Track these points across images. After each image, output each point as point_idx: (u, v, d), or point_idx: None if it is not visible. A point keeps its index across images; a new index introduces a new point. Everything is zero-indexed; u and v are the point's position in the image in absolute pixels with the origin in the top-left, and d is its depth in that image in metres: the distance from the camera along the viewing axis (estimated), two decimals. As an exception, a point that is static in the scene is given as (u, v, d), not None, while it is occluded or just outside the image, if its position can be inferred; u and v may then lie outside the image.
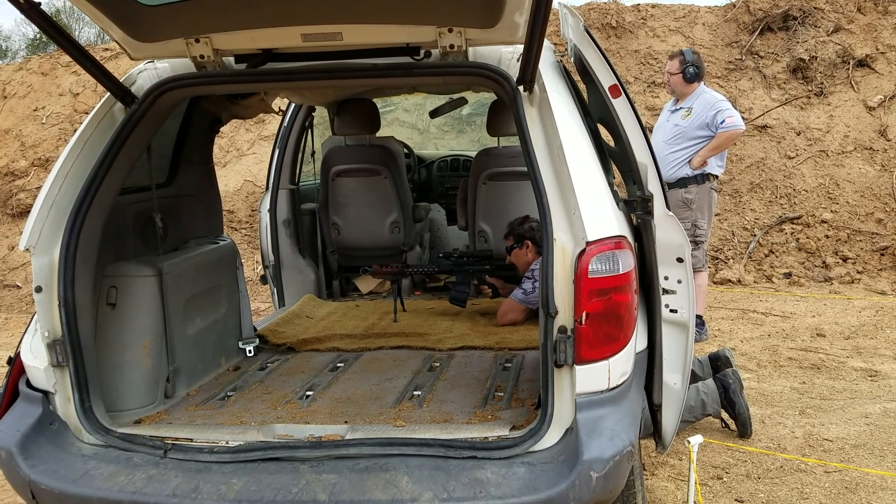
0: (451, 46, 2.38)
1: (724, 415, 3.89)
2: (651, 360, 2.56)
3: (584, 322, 2.18)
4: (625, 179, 2.86)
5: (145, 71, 2.66)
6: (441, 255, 4.40)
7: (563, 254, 2.23)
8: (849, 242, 7.72)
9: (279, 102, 4.53)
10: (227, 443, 2.39)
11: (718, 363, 3.97)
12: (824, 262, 7.59)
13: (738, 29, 9.41)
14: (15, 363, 2.58)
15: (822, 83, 8.78)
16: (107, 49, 10.82)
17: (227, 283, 3.42)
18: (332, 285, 4.96)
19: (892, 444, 3.79)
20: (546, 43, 2.38)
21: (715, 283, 7.48)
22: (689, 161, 5.33)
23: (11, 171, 9.80)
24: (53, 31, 2.24)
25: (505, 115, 4.19)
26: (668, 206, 2.46)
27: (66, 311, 2.42)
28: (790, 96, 8.81)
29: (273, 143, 4.81)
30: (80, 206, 2.47)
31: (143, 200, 3.01)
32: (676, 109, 5.52)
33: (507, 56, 2.51)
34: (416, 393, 2.86)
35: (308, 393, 2.92)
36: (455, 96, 5.36)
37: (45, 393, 2.47)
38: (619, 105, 2.46)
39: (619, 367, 2.24)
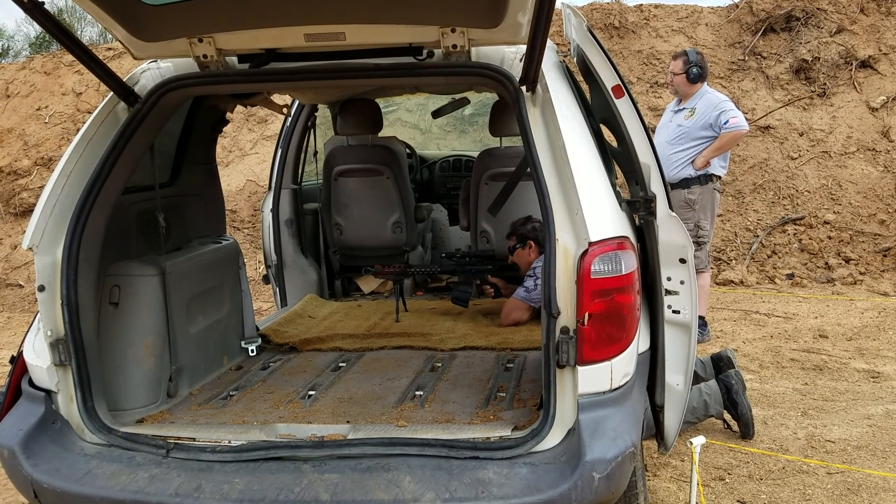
0: (454, 46, 2.38)
1: (727, 416, 3.89)
2: (653, 361, 2.56)
3: (586, 323, 2.18)
4: (627, 180, 2.86)
5: (148, 70, 2.66)
6: (443, 255, 4.40)
7: (565, 254, 2.22)
8: (851, 244, 7.71)
9: (284, 100, 4.54)
10: (229, 442, 2.39)
11: (721, 364, 3.96)
12: (827, 264, 7.58)
13: (741, 29, 9.39)
14: (17, 362, 2.58)
15: (824, 84, 8.77)
16: (110, 48, 10.83)
17: (230, 283, 3.42)
18: (334, 285, 4.96)
19: (894, 445, 3.78)
20: (549, 43, 2.37)
21: (717, 283, 7.47)
22: (693, 161, 5.32)
23: (14, 171, 9.81)
24: (57, 30, 2.24)
25: (507, 115, 4.19)
26: (671, 207, 2.46)
27: (68, 310, 2.42)
28: (793, 97, 8.79)
29: (276, 142, 4.81)
30: (83, 206, 2.47)
31: (147, 200, 3.02)
32: (679, 110, 5.52)
33: (510, 56, 2.51)
34: (418, 393, 2.87)
35: (310, 393, 2.92)
36: (457, 96, 5.36)
37: (48, 392, 2.47)
38: (622, 105, 2.45)
39: (621, 368, 2.24)
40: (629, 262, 2.24)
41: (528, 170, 2.40)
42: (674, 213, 2.46)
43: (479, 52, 2.50)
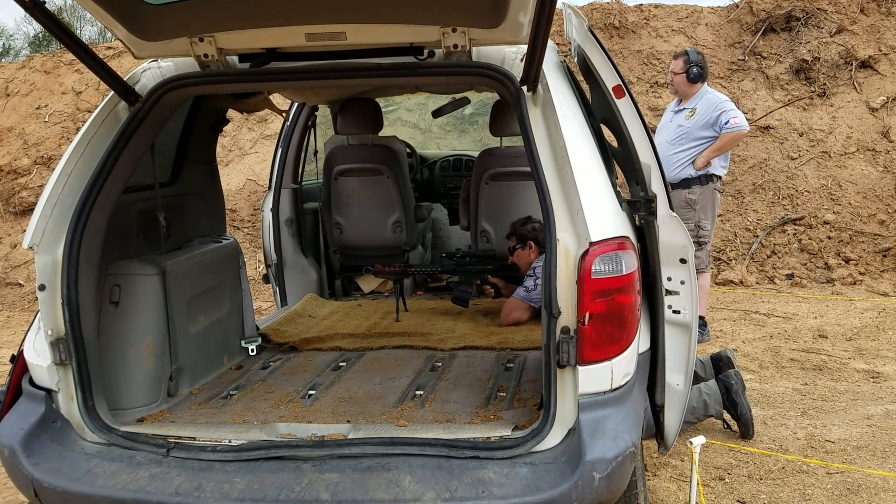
0: (455, 46, 2.38)
1: (727, 416, 3.89)
2: (654, 361, 2.56)
3: (587, 323, 2.18)
4: (628, 180, 2.86)
5: (149, 70, 2.66)
6: (443, 254, 4.40)
7: (566, 254, 2.22)
8: (851, 244, 7.71)
9: (284, 103, 4.54)
10: (229, 441, 2.39)
11: (720, 364, 3.97)
12: (826, 264, 7.59)
13: (741, 29, 9.40)
14: (18, 361, 2.58)
15: (824, 84, 8.77)
16: (110, 48, 10.83)
17: (230, 282, 3.42)
18: (334, 285, 4.96)
19: (894, 445, 3.79)
20: (549, 43, 2.37)
21: (717, 283, 7.47)
22: (693, 162, 5.32)
23: (14, 170, 9.81)
24: (58, 29, 2.24)
25: (507, 115, 4.19)
26: (671, 207, 2.46)
27: (69, 309, 2.42)
28: (793, 97, 8.80)
29: (276, 142, 4.81)
30: (84, 205, 2.47)
31: (147, 199, 3.02)
32: (680, 110, 5.52)
33: (511, 56, 2.51)
34: (418, 393, 2.87)
35: (310, 392, 2.92)
36: (458, 96, 5.36)
37: (49, 391, 2.47)
38: (623, 105, 2.46)
39: (621, 368, 2.24)
40: (630, 263, 2.24)
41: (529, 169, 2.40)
42: (674, 214, 2.46)
43: (479, 52, 2.50)
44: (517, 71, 2.46)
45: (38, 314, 2.52)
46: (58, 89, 10.62)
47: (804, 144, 8.50)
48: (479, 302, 4.38)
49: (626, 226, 2.33)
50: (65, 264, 2.43)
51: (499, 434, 2.34)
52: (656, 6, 9.95)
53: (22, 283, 8.51)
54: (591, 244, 2.17)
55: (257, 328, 3.65)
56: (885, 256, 7.55)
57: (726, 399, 3.80)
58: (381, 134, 4.80)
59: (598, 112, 2.71)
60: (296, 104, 4.69)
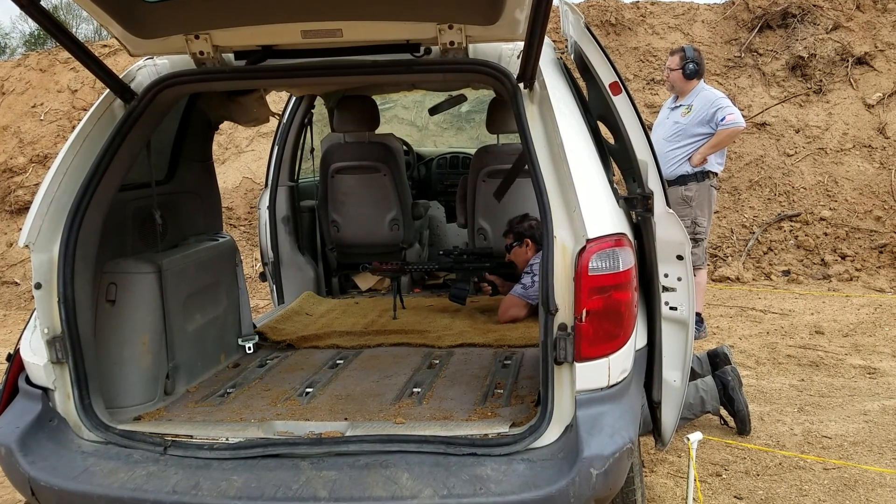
0: (452, 43, 2.38)
1: (724, 412, 3.90)
2: (651, 358, 2.57)
3: (584, 319, 2.18)
4: (625, 177, 2.86)
5: (145, 67, 2.65)
6: (441, 252, 4.40)
7: (563, 251, 2.22)
8: (847, 240, 7.73)
9: (279, 102, 4.53)
10: (227, 439, 2.38)
11: (717, 360, 3.97)
12: (823, 260, 7.60)
13: (738, 26, 9.40)
14: (14, 360, 2.57)
15: (821, 81, 8.78)
16: (105, 45, 10.81)
17: (227, 280, 3.41)
18: (331, 282, 4.95)
19: (890, 441, 3.80)
20: (546, 40, 2.37)
21: (714, 280, 7.48)
22: (689, 158, 5.33)
23: (10, 168, 9.78)
24: (53, 27, 2.23)
25: (504, 112, 4.19)
26: (668, 204, 2.46)
27: (65, 307, 2.41)
28: (789, 94, 8.81)
29: (272, 139, 4.81)
30: (80, 203, 2.46)
31: (143, 197, 3.01)
32: (676, 107, 5.52)
33: (508, 53, 2.51)
34: (415, 390, 2.87)
35: (308, 390, 2.92)
36: (454, 93, 5.35)
37: (45, 389, 2.46)
38: (620, 102, 2.45)
39: (618, 365, 2.24)
40: (627, 259, 2.24)
41: (526, 166, 2.40)
42: (671, 210, 2.46)
43: (476, 49, 2.49)
44: (514, 68, 2.45)
45: (35, 312, 2.51)
46: (53, 87, 10.59)
47: (800, 141, 8.51)
48: (476, 299, 4.38)
49: (623, 223, 2.33)
50: (61, 262, 2.42)
51: (496, 431, 2.34)
52: (653, 3, 9.96)
53: (18, 281, 8.50)
54: (588, 241, 2.17)
55: (254, 326, 3.64)
56: (881, 252, 7.57)
57: (723, 395, 3.80)
58: (377, 131, 4.79)
59: (595, 109, 2.71)
60: (292, 102, 4.68)
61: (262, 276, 4.84)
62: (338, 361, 3.31)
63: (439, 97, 5.72)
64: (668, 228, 2.46)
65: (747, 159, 8.49)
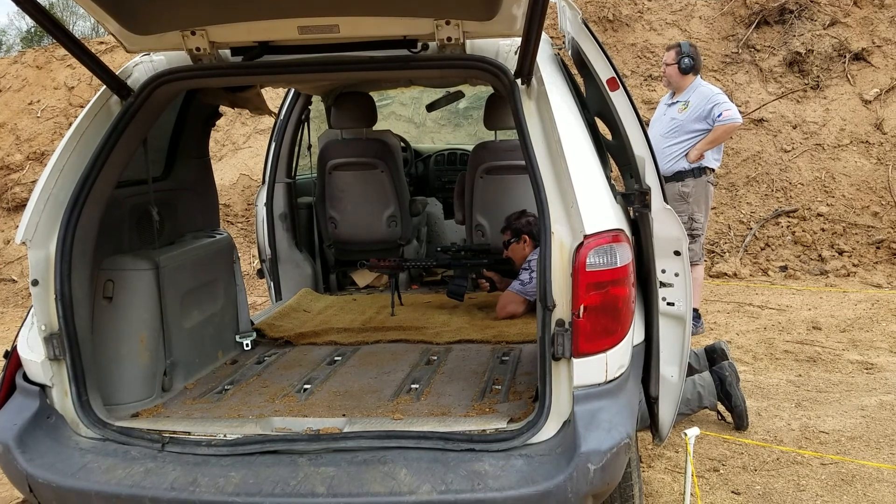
0: (449, 39, 2.37)
1: (721, 407, 3.91)
2: (648, 353, 2.57)
3: (581, 315, 2.19)
4: (622, 173, 2.86)
5: (141, 64, 2.64)
6: (438, 248, 4.40)
7: (560, 247, 2.23)
8: (845, 236, 7.74)
9: (275, 99, 4.53)
10: (224, 436, 2.38)
11: (715, 356, 3.98)
12: (820, 256, 7.61)
13: (735, 22, 9.40)
14: (12, 357, 2.57)
15: (818, 77, 8.78)
16: (102, 42, 10.78)
17: (224, 277, 3.41)
18: (329, 279, 4.95)
19: (887, 436, 3.81)
20: (544, 36, 2.37)
21: (711, 276, 7.49)
22: (686, 154, 5.33)
23: (6, 165, 9.76)
24: (49, 24, 2.22)
25: (502, 108, 4.18)
26: (665, 200, 2.46)
27: (62, 304, 2.41)
28: (786, 90, 8.81)
29: (269, 136, 4.80)
30: (77, 200, 2.46)
31: (140, 194, 3.01)
32: (673, 103, 5.52)
33: (505, 49, 2.50)
34: (413, 386, 2.87)
35: (306, 386, 2.92)
36: (452, 90, 5.35)
37: (43, 386, 2.46)
38: (617, 98, 2.45)
39: (616, 360, 2.24)
40: (624, 255, 2.25)
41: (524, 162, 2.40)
42: (668, 206, 2.46)
43: (473, 45, 2.49)
44: (511, 64, 2.45)
45: (32, 309, 2.51)
46: (50, 84, 10.56)
47: (798, 137, 8.52)
48: (474, 296, 4.38)
49: (620, 218, 2.34)
50: (58, 259, 2.42)
51: (494, 427, 2.34)
52: (650, -1, 9.95)
53: (15, 279, 8.49)
54: (586, 237, 2.18)
55: (252, 323, 3.64)
56: (878, 248, 7.58)
57: (720, 391, 3.81)
58: (375, 128, 4.79)
59: (593, 105, 2.71)
60: (289, 98, 4.68)
61: (260, 273, 4.83)
62: (336, 358, 3.31)
63: (437, 94, 5.71)
64: (665, 224, 2.46)
65: (744, 155, 8.50)
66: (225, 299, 3.40)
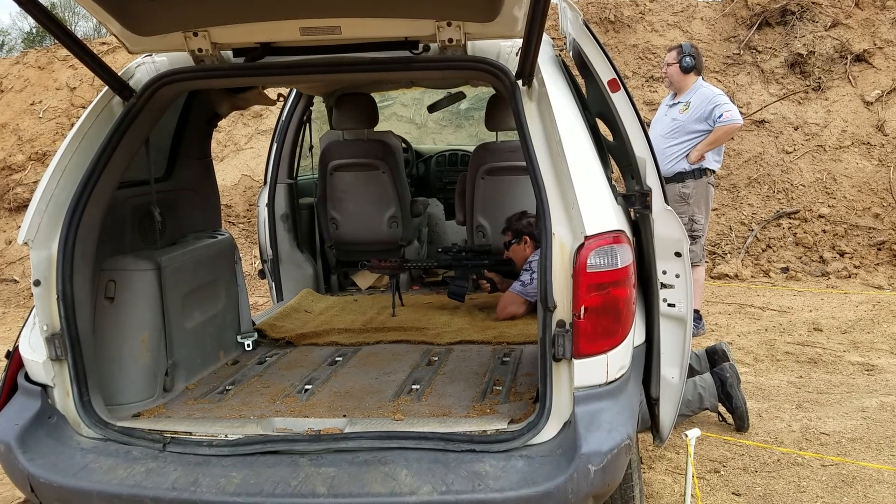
0: (450, 40, 2.38)
1: (722, 409, 3.91)
2: (649, 354, 2.57)
3: (582, 316, 2.19)
4: (623, 174, 2.86)
5: (143, 65, 2.65)
6: (439, 249, 4.40)
7: (561, 248, 2.23)
8: (846, 237, 7.73)
9: (281, 90, 4.53)
10: (226, 436, 2.39)
11: (716, 357, 3.98)
12: (821, 257, 7.61)
13: (736, 23, 9.40)
14: (13, 357, 2.58)
15: (819, 78, 8.78)
16: (104, 43, 10.80)
17: (226, 278, 3.42)
18: (330, 280, 4.96)
19: (888, 437, 3.81)
20: (545, 37, 2.37)
21: (712, 277, 7.49)
22: (687, 155, 5.33)
23: (8, 166, 9.78)
24: (52, 24, 2.23)
25: (503, 109, 4.19)
26: (666, 201, 2.47)
27: (64, 304, 2.42)
28: (788, 91, 8.81)
29: (271, 137, 4.81)
30: (79, 200, 2.47)
31: (142, 195, 3.01)
32: (674, 104, 5.52)
33: (506, 50, 2.51)
34: (414, 387, 2.87)
35: (307, 387, 2.92)
36: (453, 91, 5.35)
37: (44, 387, 2.47)
38: (618, 99, 2.46)
39: (617, 361, 2.24)
40: (625, 256, 2.25)
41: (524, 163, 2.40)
42: (669, 207, 2.47)
43: (475, 47, 2.49)
44: (512, 65, 2.45)
45: (34, 310, 2.51)
46: (52, 85, 10.58)
47: (799, 138, 8.52)
48: (475, 296, 4.38)
49: (621, 219, 2.34)
50: (60, 260, 2.42)
51: (495, 427, 2.34)
52: (651, 0, 9.95)
53: (17, 279, 8.50)
54: (587, 238, 2.18)
55: (253, 323, 3.65)
56: (879, 250, 7.58)
57: (721, 392, 3.81)
58: (376, 129, 4.80)
59: (594, 106, 2.71)
60: (290, 99, 4.68)
61: (261, 274, 4.84)
62: (337, 358, 3.32)
63: (438, 95, 5.71)
64: (666, 225, 2.46)
65: (746, 156, 8.50)
66: (226, 300, 3.41)
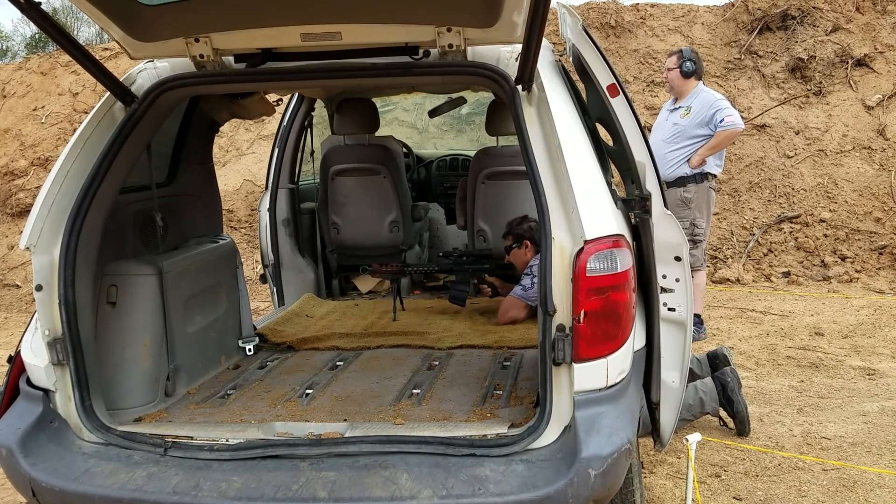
0: (450, 46, 2.39)
1: (723, 413, 3.91)
2: (649, 359, 2.57)
3: (582, 320, 2.19)
4: (623, 178, 2.87)
5: (145, 70, 2.66)
6: (440, 254, 4.41)
7: (561, 252, 2.23)
8: (847, 241, 7.73)
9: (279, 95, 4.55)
10: (227, 441, 2.39)
11: (717, 362, 3.98)
12: (823, 262, 7.61)
13: (737, 28, 9.42)
14: (15, 361, 2.58)
15: (820, 82, 8.79)
16: (106, 49, 10.83)
17: (227, 282, 3.43)
18: (331, 284, 4.97)
19: (889, 442, 3.80)
20: (545, 42, 2.38)
21: (714, 282, 7.49)
22: (688, 160, 5.34)
23: (11, 171, 9.81)
24: (54, 30, 2.24)
25: (504, 114, 4.20)
26: (666, 205, 2.47)
27: (66, 309, 2.42)
28: (789, 95, 8.82)
29: (272, 142, 4.82)
30: (81, 205, 2.48)
31: (144, 199, 3.02)
32: (675, 108, 5.53)
33: (506, 55, 2.52)
34: (415, 391, 2.87)
35: (308, 391, 2.92)
36: (454, 96, 5.36)
37: (46, 391, 2.47)
38: (618, 104, 2.47)
39: (617, 366, 2.25)
40: (624, 260, 2.25)
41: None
42: (669, 212, 2.47)
43: (474, 52, 2.50)
44: (512, 70, 2.46)
45: (36, 314, 2.52)
46: (55, 90, 10.62)
47: (800, 143, 8.52)
48: (476, 301, 4.39)
49: (621, 224, 2.34)
50: (62, 265, 2.43)
51: (495, 432, 2.35)
52: (652, 5, 9.98)
53: (20, 284, 8.51)
54: (586, 242, 2.18)
55: (254, 328, 3.65)
56: (881, 254, 7.58)
57: (722, 396, 3.81)
58: (377, 134, 4.81)
59: (594, 111, 2.72)
60: (292, 104, 4.70)
61: (263, 279, 4.85)
62: (338, 363, 3.32)
63: (439, 99, 5.73)
64: (665, 230, 2.47)
65: (747, 161, 8.50)
66: (228, 304, 3.41)
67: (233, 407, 2.80)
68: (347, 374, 3.15)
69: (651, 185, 2.46)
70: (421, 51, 2.47)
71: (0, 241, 9.26)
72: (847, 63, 8.81)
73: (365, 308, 4.44)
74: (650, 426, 2.81)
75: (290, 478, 2.18)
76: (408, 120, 10.20)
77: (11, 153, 10.04)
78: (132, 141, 2.61)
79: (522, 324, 3.86)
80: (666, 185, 5.24)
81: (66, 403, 2.47)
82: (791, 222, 7.99)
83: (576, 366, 2.20)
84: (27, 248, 2.45)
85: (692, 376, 3.89)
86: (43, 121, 10.30)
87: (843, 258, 7.59)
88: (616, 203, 2.39)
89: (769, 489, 3.38)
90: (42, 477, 2.27)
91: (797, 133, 8.58)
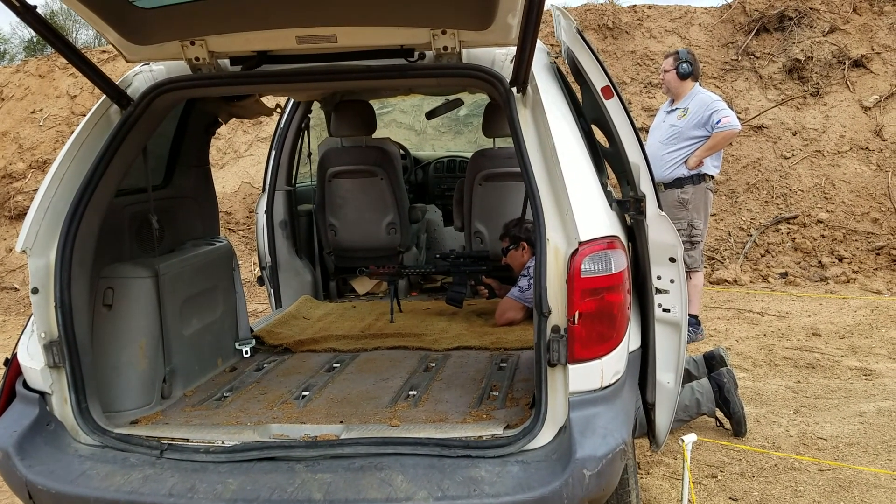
0: (445, 48, 2.40)
1: (719, 413, 3.91)
2: (644, 360, 2.58)
3: (576, 321, 2.20)
4: (619, 180, 2.88)
5: (141, 73, 2.67)
6: (437, 255, 4.42)
7: (556, 254, 2.24)
8: (844, 242, 7.74)
9: (279, 100, 4.56)
10: (223, 443, 2.40)
11: (713, 362, 3.98)
12: (820, 262, 7.62)
13: (734, 29, 9.43)
14: (12, 364, 2.59)
15: (817, 83, 8.81)
16: (104, 52, 10.83)
17: (224, 285, 3.43)
18: (328, 286, 4.97)
19: (885, 442, 3.81)
20: (540, 45, 2.39)
21: (711, 283, 7.50)
22: (686, 161, 5.35)
23: (9, 174, 9.80)
24: (49, 34, 2.25)
25: (500, 116, 4.20)
26: (660, 207, 2.48)
27: (62, 312, 2.43)
28: (786, 96, 8.83)
29: (270, 144, 4.83)
30: (77, 208, 2.48)
31: (140, 202, 3.03)
32: (672, 110, 5.54)
33: (501, 58, 2.53)
34: (411, 393, 2.88)
35: (304, 393, 2.93)
36: (451, 97, 5.37)
37: (42, 394, 2.48)
38: (612, 106, 2.47)
39: (612, 366, 2.25)
40: (619, 262, 2.26)
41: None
42: (663, 213, 2.48)
43: (469, 54, 2.51)
44: (507, 72, 2.47)
45: (32, 317, 2.53)
46: (52, 93, 10.62)
47: (797, 143, 8.53)
48: (473, 302, 4.39)
49: (615, 225, 2.35)
50: (58, 267, 2.44)
51: (490, 433, 2.35)
52: (650, 7, 9.99)
53: (17, 287, 8.51)
54: (581, 244, 2.19)
55: (251, 330, 3.66)
56: (878, 255, 7.59)
57: (718, 397, 3.81)
58: (375, 136, 4.81)
59: (589, 113, 2.72)
60: (289, 107, 4.71)
61: (260, 281, 4.85)
62: (334, 365, 3.33)
63: (436, 101, 5.73)
64: (660, 231, 2.48)
65: (744, 162, 8.51)
66: (224, 307, 3.42)
67: (229, 409, 2.81)
68: (344, 376, 3.15)
69: (645, 186, 2.46)
70: (416, 53, 2.47)
71: (-2, 243, 9.26)
72: (844, 64, 8.83)
73: (362, 310, 4.45)
74: (646, 427, 2.81)
75: (286, 480, 2.18)
76: (405, 122, 10.21)
77: (9, 156, 10.04)
78: (128, 144, 2.61)
79: (519, 325, 3.87)
80: (663, 186, 5.29)
81: (63, 406, 2.47)
82: (788, 223, 8.00)
83: (571, 367, 2.21)
84: (23, 251, 2.45)
85: (689, 377, 3.89)
86: (41, 124, 10.31)
87: (841, 259, 7.60)
88: (611, 204, 2.40)
89: (765, 490, 3.39)
90: (38, 479, 2.27)
91: (794, 134, 8.59)
